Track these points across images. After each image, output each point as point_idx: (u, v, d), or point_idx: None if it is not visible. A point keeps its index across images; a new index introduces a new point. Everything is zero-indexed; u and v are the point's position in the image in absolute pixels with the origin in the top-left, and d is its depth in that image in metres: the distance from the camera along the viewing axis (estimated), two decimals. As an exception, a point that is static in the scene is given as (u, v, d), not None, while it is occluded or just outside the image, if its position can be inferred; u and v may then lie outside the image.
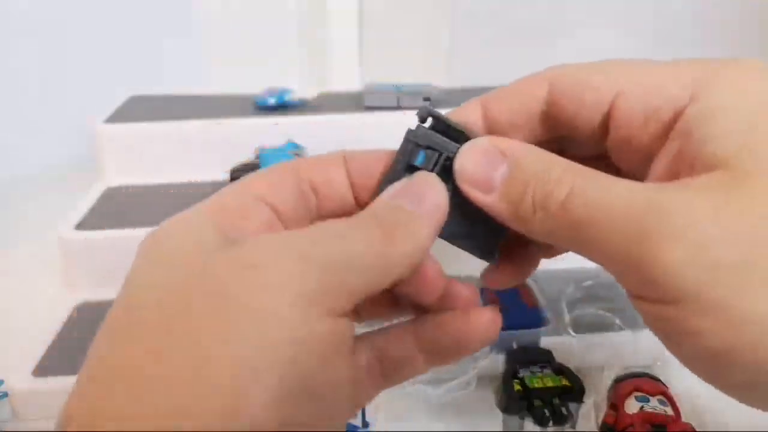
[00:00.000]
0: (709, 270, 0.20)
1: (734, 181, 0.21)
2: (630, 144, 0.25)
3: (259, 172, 0.27)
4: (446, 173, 0.26)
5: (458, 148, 0.26)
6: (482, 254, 0.27)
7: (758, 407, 0.22)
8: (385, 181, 0.26)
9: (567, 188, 0.23)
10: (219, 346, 0.20)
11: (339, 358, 0.22)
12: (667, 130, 0.24)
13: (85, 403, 0.20)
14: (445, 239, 0.26)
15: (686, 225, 0.20)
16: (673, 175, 0.23)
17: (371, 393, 0.26)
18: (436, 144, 0.26)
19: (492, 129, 0.27)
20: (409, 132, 0.27)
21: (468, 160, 0.26)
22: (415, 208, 0.24)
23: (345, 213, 0.27)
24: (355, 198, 0.27)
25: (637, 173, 0.26)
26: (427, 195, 0.25)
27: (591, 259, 0.23)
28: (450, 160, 0.26)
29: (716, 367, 0.21)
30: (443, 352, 0.27)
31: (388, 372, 0.26)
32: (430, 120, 0.27)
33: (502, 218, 0.25)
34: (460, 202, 0.26)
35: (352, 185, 0.27)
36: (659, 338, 0.23)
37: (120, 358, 0.20)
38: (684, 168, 0.23)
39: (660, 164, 0.24)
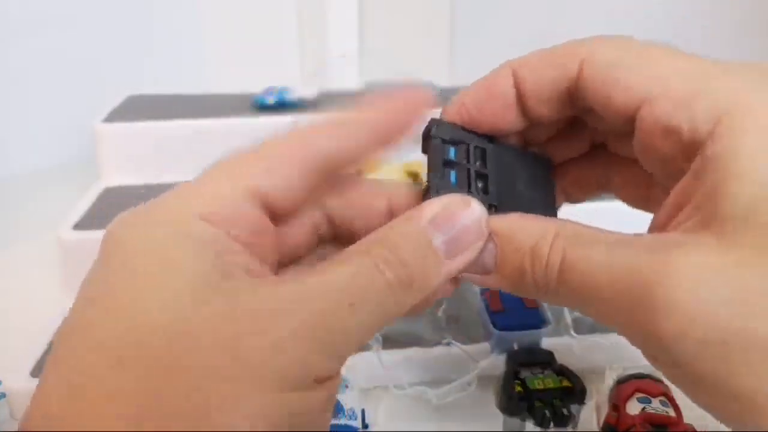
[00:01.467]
0: (698, 345, 0.20)
1: (728, 250, 0.20)
2: (652, 152, 0.24)
3: (258, 155, 0.24)
4: (482, 160, 0.26)
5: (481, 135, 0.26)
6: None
7: None
8: (431, 187, 0.24)
9: (558, 260, 0.22)
10: (210, 395, 0.19)
11: (323, 416, 0.22)
12: (686, 151, 0.22)
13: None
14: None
15: (676, 301, 0.20)
16: (680, 211, 0.22)
17: None
18: (460, 136, 0.26)
19: (521, 99, 0.26)
20: (431, 130, 0.26)
21: (458, 257, 0.24)
22: (449, 252, 0.23)
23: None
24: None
25: (662, 178, 0.25)
26: (466, 234, 0.23)
27: (600, 322, 0.23)
28: (478, 149, 0.26)
29: (717, 418, 0.21)
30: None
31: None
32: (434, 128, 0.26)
33: (506, 291, 0.25)
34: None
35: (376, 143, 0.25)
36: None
37: (114, 382, 0.19)
38: (688, 215, 0.22)
39: (672, 200, 0.23)
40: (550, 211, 0.27)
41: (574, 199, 0.30)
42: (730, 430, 0.21)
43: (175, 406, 0.18)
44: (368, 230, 0.23)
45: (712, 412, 0.21)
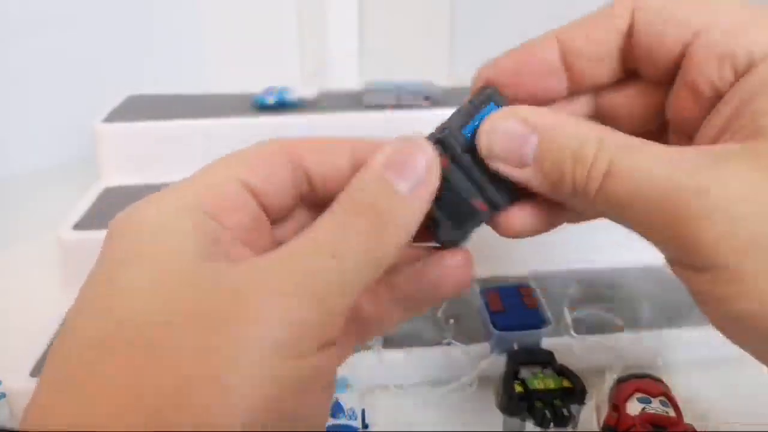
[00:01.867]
0: (740, 245, 0.21)
1: None
2: (695, 89, 0.25)
3: (248, 151, 0.24)
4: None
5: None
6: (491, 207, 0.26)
7: None
8: None
9: (606, 163, 0.23)
10: (200, 367, 0.19)
11: (320, 390, 0.22)
12: (739, 76, 0.23)
13: (52, 409, 0.19)
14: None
15: (721, 204, 0.21)
16: (722, 136, 0.23)
17: (347, 355, 0.26)
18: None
19: (570, 65, 0.26)
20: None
21: (494, 137, 0.24)
22: (406, 186, 0.23)
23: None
24: None
25: (689, 127, 0.25)
26: (419, 165, 0.23)
27: (629, 228, 0.24)
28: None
29: (741, 329, 0.22)
30: (420, 302, 0.26)
31: (363, 331, 0.26)
32: None
33: (538, 191, 0.25)
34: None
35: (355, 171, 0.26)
36: (694, 300, 0.23)
37: (90, 365, 0.19)
38: (733, 132, 0.23)
39: (715, 119, 0.24)
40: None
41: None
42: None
43: (158, 386, 0.19)
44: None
45: (740, 310, 0.21)
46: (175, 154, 0.66)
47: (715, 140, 0.24)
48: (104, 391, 0.19)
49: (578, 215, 0.27)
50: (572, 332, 0.48)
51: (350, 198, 0.23)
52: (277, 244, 0.24)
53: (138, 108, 0.71)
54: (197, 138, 0.66)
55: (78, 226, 0.58)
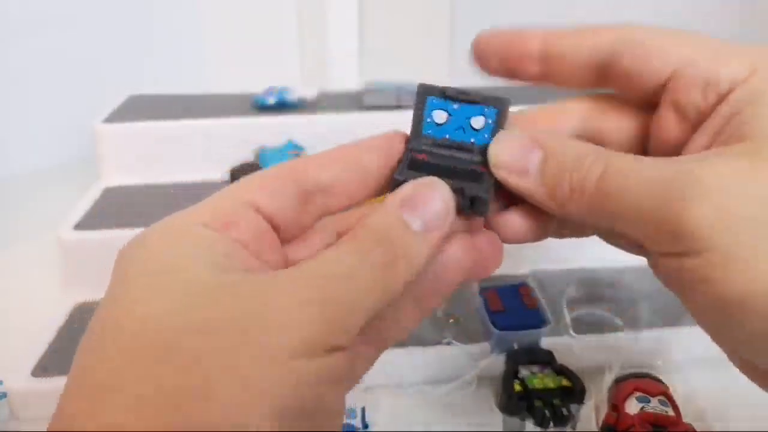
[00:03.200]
0: (731, 226, 0.22)
1: (758, 158, 0.23)
2: (679, 113, 0.27)
3: (254, 175, 0.26)
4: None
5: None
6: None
7: (761, 363, 0.24)
8: (400, 168, 0.27)
9: (601, 167, 0.24)
10: (222, 367, 0.20)
11: (335, 391, 0.23)
12: (722, 100, 0.25)
13: (80, 416, 0.20)
14: None
15: (712, 187, 0.22)
16: (712, 144, 0.25)
17: (370, 363, 0.27)
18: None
19: (545, 64, 0.28)
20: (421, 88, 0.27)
21: (503, 147, 0.27)
22: (420, 225, 0.24)
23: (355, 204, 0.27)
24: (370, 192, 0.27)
25: (672, 150, 0.27)
26: (434, 207, 0.25)
27: (620, 228, 0.25)
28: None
29: (725, 317, 0.23)
30: (430, 296, 0.27)
31: (383, 337, 0.27)
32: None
33: (537, 200, 0.26)
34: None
35: (365, 181, 0.27)
36: (675, 292, 0.25)
37: (123, 376, 0.20)
38: (720, 143, 0.25)
39: (700, 138, 0.26)
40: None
41: None
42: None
43: (181, 386, 0.19)
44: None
45: (728, 292, 0.22)
46: (175, 154, 0.66)
47: (704, 147, 0.25)
48: (128, 394, 0.20)
49: (563, 228, 0.29)
50: (571, 332, 0.49)
51: (369, 228, 0.24)
52: (289, 261, 0.26)
53: (138, 108, 0.71)
54: (198, 138, 0.66)
55: (78, 226, 0.58)
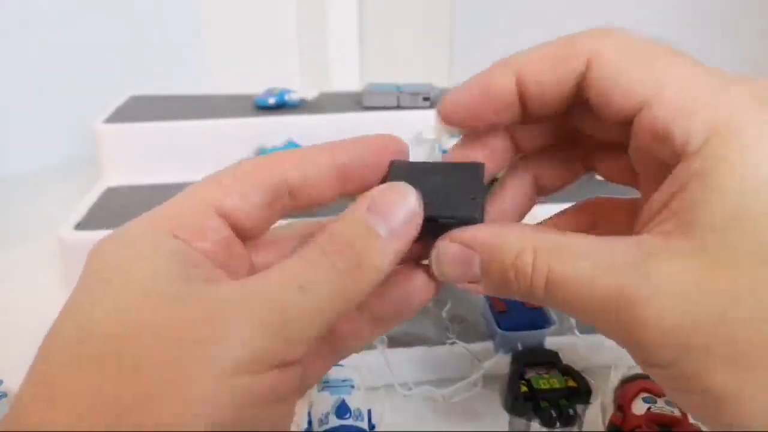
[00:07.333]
0: (679, 349, 0.21)
1: (703, 258, 0.22)
2: (644, 154, 0.25)
3: (219, 175, 0.25)
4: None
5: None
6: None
7: None
8: None
9: (544, 276, 0.23)
10: (163, 381, 0.20)
11: (280, 407, 0.23)
12: (676, 159, 0.23)
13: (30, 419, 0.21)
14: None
15: (657, 308, 0.21)
16: (660, 214, 0.23)
17: (320, 375, 0.27)
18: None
19: (523, 95, 0.26)
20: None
21: (446, 266, 0.26)
22: (386, 230, 0.24)
23: (324, 204, 0.27)
24: (342, 187, 0.27)
25: (649, 179, 0.26)
26: (400, 213, 0.24)
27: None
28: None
29: (697, 417, 0.24)
30: (390, 318, 0.27)
31: (337, 349, 0.27)
32: None
33: (500, 295, 0.26)
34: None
35: (338, 178, 0.26)
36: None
37: (66, 380, 0.21)
38: (665, 220, 0.23)
39: (659, 196, 0.24)
40: (478, 211, 0.26)
41: (549, 190, 0.31)
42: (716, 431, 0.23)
43: (120, 397, 0.20)
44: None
45: (693, 411, 0.23)
46: (176, 154, 0.66)
47: (653, 217, 0.24)
48: (71, 400, 0.20)
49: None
50: (576, 332, 0.48)
51: (330, 235, 0.24)
52: (255, 268, 0.26)
53: (139, 108, 0.71)
54: (199, 138, 0.66)
55: (79, 226, 0.57)
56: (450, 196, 0.26)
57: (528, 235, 0.24)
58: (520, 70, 0.26)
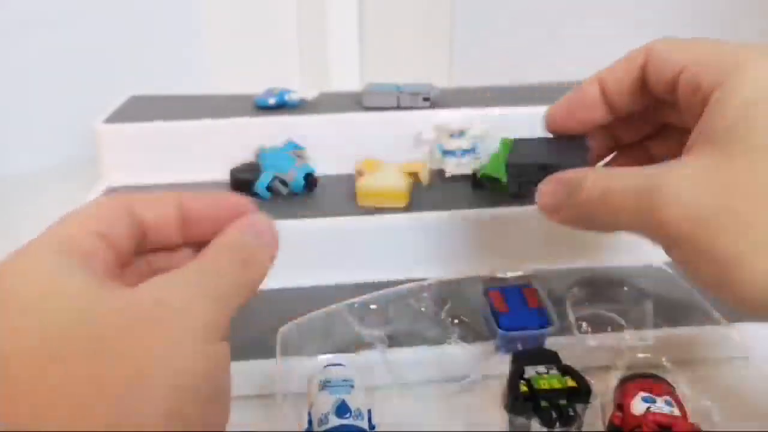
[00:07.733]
0: (695, 223, 0.29)
1: (716, 161, 0.30)
2: (689, 108, 0.34)
3: (92, 206, 0.29)
4: None
5: None
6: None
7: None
8: None
9: (598, 188, 0.33)
10: (124, 367, 0.22)
11: (227, 378, 0.26)
12: (705, 104, 0.32)
13: None
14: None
15: (676, 194, 0.30)
16: (688, 143, 0.32)
17: None
18: None
19: (607, 98, 0.39)
20: None
21: (543, 197, 0.37)
22: (258, 242, 0.30)
23: (169, 247, 0.31)
24: (184, 235, 0.31)
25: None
26: (266, 231, 0.31)
27: (614, 228, 0.35)
28: None
29: (710, 288, 0.30)
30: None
31: None
32: None
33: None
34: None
35: (184, 224, 0.31)
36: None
37: (26, 369, 0.22)
38: (694, 137, 0.32)
39: (693, 134, 0.32)
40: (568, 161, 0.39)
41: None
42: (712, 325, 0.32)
43: (83, 386, 0.22)
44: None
45: (707, 285, 0.30)
46: (176, 155, 0.66)
47: (691, 146, 0.32)
48: (30, 395, 0.21)
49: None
50: (576, 332, 0.48)
51: (222, 241, 0.29)
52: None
53: (140, 108, 0.71)
54: (198, 138, 0.66)
55: (79, 227, 0.57)
56: (559, 154, 0.40)
57: (589, 170, 0.35)
58: (601, 78, 0.38)
